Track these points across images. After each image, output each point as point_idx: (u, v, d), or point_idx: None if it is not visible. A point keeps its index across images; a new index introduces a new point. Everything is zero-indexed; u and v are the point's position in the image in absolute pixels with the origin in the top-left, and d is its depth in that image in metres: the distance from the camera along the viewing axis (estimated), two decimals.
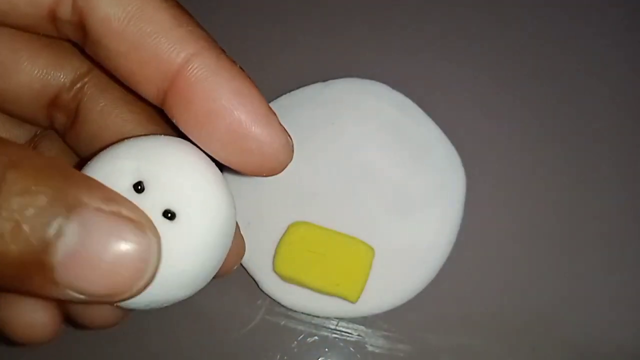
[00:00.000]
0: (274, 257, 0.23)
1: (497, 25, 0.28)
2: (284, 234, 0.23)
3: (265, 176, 0.17)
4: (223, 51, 0.16)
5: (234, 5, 0.28)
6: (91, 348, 0.24)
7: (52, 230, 0.13)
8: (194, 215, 0.15)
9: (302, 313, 0.25)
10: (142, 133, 0.18)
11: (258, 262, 0.24)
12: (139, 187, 0.15)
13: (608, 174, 0.26)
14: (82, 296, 0.14)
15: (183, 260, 0.15)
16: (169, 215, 0.15)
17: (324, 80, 0.26)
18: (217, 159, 0.16)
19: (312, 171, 0.25)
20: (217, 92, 0.15)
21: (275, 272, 0.23)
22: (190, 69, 0.15)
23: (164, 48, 0.15)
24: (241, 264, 0.24)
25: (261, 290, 0.24)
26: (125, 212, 0.14)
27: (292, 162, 0.26)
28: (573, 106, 0.27)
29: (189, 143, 0.16)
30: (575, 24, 0.28)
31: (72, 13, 0.16)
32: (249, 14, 0.28)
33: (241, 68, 0.16)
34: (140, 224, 0.14)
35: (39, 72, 0.18)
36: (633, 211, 0.26)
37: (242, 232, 0.20)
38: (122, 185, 0.15)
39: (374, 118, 0.26)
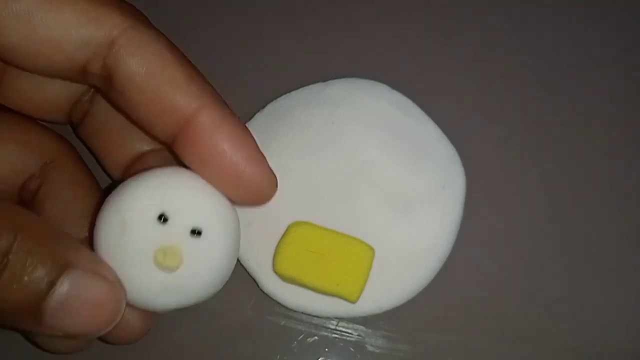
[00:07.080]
0: (274, 257, 0.23)
1: (497, 25, 0.28)
2: (284, 234, 0.23)
3: (253, 206, 0.20)
4: (226, 104, 0.19)
5: (233, 5, 0.28)
6: (93, 349, 0.24)
7: (47, 284, 0.16)
8: (215, 229, 0.19)
9: (302, 313, 0.25)
10: None
11: (258, 262, 0.24)
12: (163, 219, 0.18)
13: (608, 175, 0.26)
14: (61, 334, 0.17)
15: (209, 266, 0.19)
16: (196, 232, 0.18)
17: (324, 80, 0.26)
18: (216, 190, 0.19)
19: (312, 171, 0.25)
20: (219, 138, 0.19)
21: (275, 272, 0.23)
22: (199, 118, 0.18)
23: (178, 100, 0.18)
24: (241, 264, 0.24)
25: (261, 290, 0.24)
26: (102, 271, 0.17)
27: (292, 162, 0.26)
28: (574, 107, 0.27)
29: (197, 175, 0.19)
30: (577, 24, 0.28)
31: (102, 68, 0.18)
32: (249, 14, 0.28)
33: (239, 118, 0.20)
34: (113, 282, 0.18)
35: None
36: (633, 211, 0.26)
37: (242, 232, 0.21)
38: (149, 221, 0.18)
39: (374, 118, 0.26)
